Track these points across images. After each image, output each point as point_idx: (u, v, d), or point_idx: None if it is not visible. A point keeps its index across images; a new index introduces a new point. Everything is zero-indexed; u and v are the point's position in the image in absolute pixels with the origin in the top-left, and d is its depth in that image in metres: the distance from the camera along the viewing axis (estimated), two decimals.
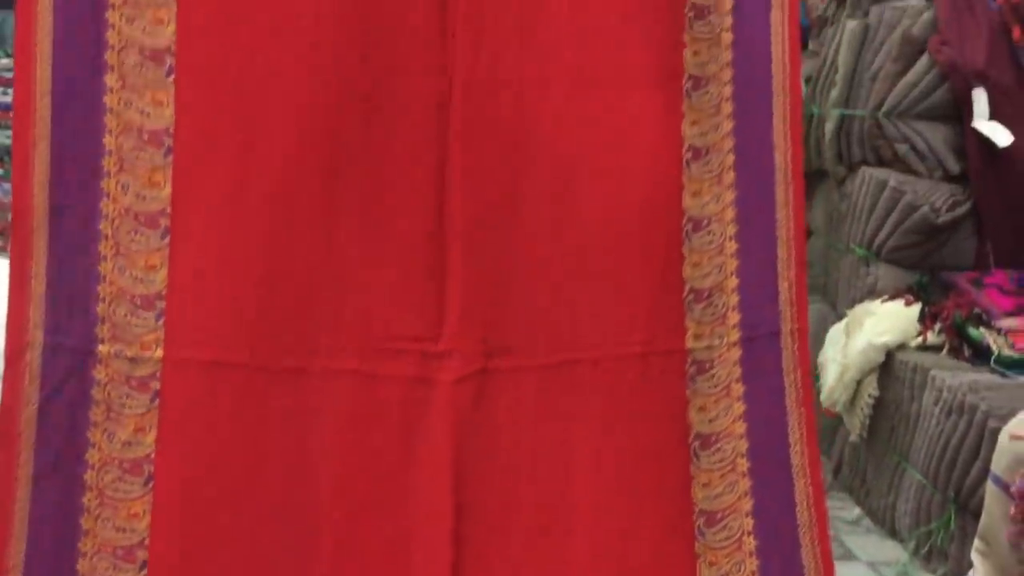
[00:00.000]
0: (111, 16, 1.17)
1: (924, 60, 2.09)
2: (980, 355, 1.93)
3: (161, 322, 1.13)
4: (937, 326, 1.99)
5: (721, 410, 1.23)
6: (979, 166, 2.08)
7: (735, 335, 1.22)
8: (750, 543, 1.23)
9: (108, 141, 1.14)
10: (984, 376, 1.86)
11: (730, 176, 1.22)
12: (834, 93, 2.30)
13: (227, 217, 1.18)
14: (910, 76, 2.10)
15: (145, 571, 1.14)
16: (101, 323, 1.11)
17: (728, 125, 1.23)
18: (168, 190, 1.15)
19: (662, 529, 1.23)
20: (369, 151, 1.20)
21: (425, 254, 1.21)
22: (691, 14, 1.23)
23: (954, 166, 2.11)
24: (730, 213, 1.22)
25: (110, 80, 1.16)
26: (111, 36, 1.17)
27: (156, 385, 1.13)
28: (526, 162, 1.20)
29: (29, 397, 1.10)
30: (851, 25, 2.29)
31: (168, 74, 1.16)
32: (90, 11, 1.17)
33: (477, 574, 1.19)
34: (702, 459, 1.23)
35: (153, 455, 1.12)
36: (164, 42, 1.18)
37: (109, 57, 1.17)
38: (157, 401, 1.13)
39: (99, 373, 1.12)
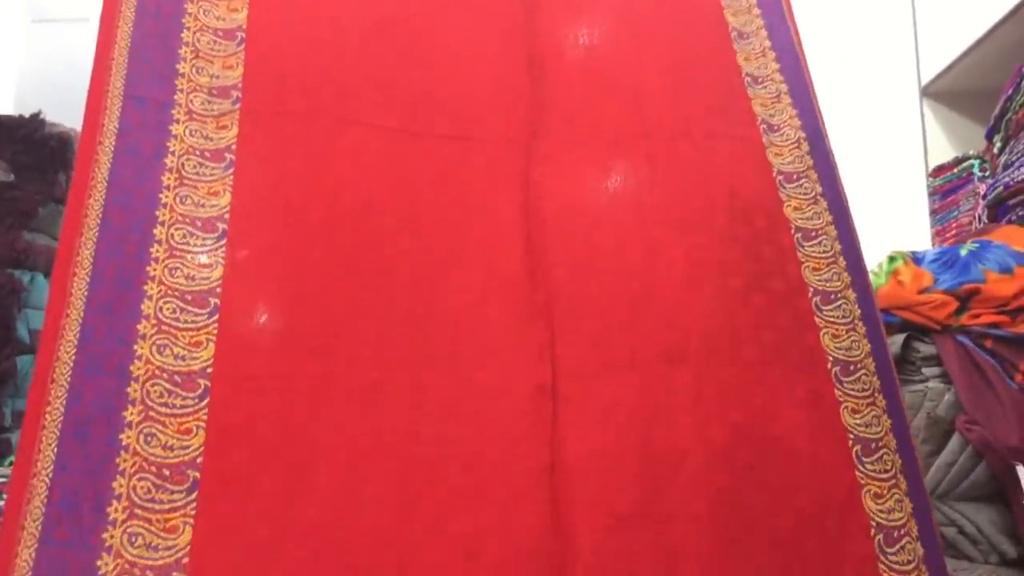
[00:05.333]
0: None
1: (955, 440, 2.04)
2: None
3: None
4: None
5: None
6: None
7: None
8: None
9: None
10: None
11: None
12: None
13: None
14: (944, 457, 2.05)
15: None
16: None
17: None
18: (187, 536, 1.09)
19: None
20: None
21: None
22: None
23: (1010, 549, 1.96)
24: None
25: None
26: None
27: None
28: None
29: None
30: None
31: (211, 315, 1.19)
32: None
33: None
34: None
35: None
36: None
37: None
38: None
39: None
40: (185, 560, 1.06)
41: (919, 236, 3.08)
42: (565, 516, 1.17)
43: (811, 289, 1.39)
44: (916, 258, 2.43)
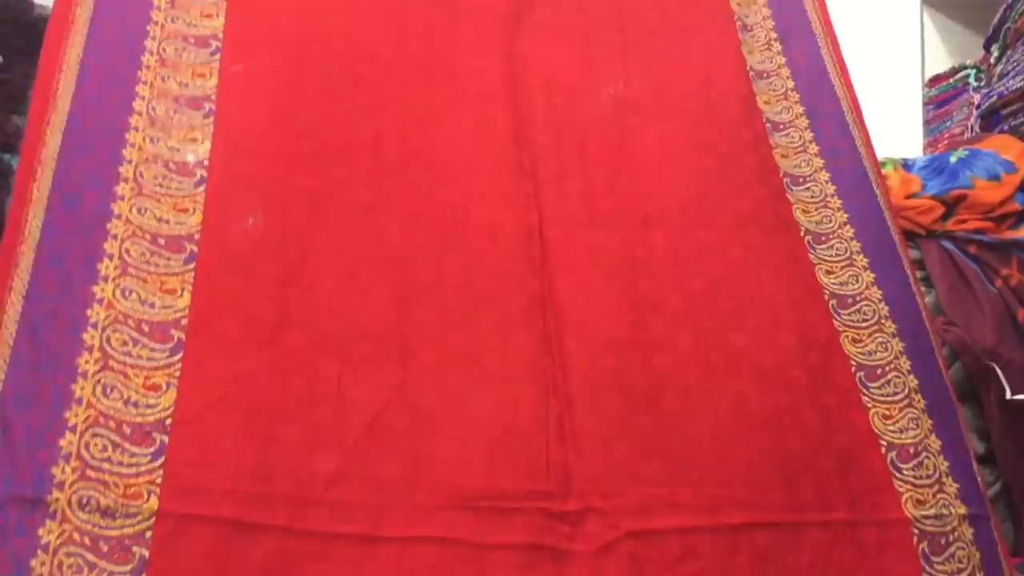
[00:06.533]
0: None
1: None
2: None
3: (159, 462, 0.99)
4: None
5: None
6: (1004, 447, 2.01)
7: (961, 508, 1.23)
8: None
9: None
10: None
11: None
12: None
13: (262, 329, 1.12)
14: None
15: None
16: (64, 461, 0.96)
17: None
18: (187, 300, 1.09)
19: None
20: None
21: (539, 385, 1.18)
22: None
23: (978, 446, 2.03)
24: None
25: (136, 118, 1.17)
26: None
27: (142, 552, 0.94)
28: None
29: None
30: None
31: (207, 116, 1.20)
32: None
33: None
34: None
35: None
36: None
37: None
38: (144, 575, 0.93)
39: (48, 533, 0.92)
40: (184, 320, 1.07)
41: (912, 147, 3.09)
42: (556, 341, 1.23)
43: (781, 171, 1.48)
44: (906, 165, 2.44)
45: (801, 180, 1.49)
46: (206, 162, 1.17)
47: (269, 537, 0.99)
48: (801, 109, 1.55)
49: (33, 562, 0.90)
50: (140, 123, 1.16)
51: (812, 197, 1.48)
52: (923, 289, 2.17)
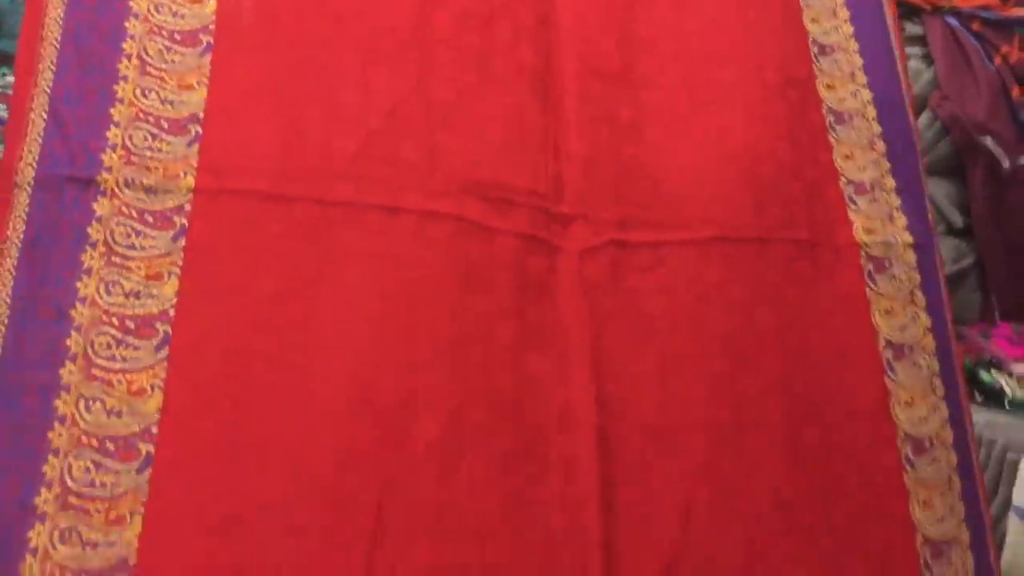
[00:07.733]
0: None
1: (925, 116, 2.12)
2: (992, 398, 1.89)
3: (195, 148, 1.09)
4: None
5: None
6: (983, 221, 2.08)
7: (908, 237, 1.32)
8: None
9: None
10: (1000, 416, 1.81)
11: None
12: None
13: (287, 24, 1.17)
14: None
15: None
16: (111, 150, 1.06)
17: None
18: (212, 6, 1.16)
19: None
20: None
21: (538, 104, 1.24)
22: None
23: (958, 219, 2.10)
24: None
25: None
26: None
27: (182, 221, 1.05)
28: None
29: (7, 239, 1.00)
30: None
31: None
32: None
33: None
34: (898, 371, 1.25)
35: (172, 313, 1.01)
36: None
37: None
38: (183, 240, 1.04)
39: (101, 207, 1.04)
40: (211, 25, 1.15)
41: None
42: (555, 65, 1.29)
43: None
44: None
45: None
46: None
47: (300, 205, 1.09)
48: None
49: (89, 229, 1.02)
50: None
51: None
52: (923, 66, 2.17)
